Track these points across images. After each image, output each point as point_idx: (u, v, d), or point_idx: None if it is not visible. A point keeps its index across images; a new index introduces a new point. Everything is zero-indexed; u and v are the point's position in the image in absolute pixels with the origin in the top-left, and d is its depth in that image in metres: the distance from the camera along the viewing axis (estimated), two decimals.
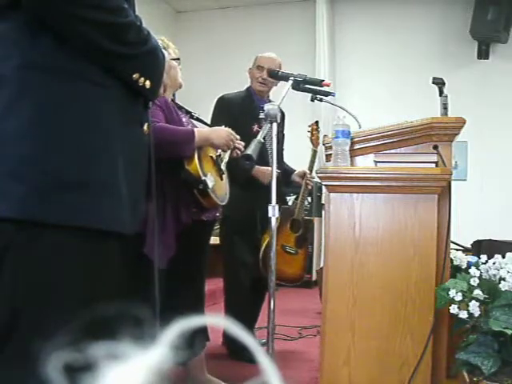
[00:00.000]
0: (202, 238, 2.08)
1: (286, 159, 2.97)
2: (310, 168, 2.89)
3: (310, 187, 2.91)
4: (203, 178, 1.78)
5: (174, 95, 2.14)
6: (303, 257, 2.96)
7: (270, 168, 2.75)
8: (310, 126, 2.98)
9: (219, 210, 2.07)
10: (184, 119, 2.00)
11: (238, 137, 2.12)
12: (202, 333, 1.99)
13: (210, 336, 2.10)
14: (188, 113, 2.12)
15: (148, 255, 1.65)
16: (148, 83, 1.00)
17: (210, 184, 1.80)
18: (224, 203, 1.97)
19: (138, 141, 1.05)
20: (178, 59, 2.03)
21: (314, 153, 2.94)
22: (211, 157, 1.97)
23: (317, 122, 3.01)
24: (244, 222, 2.62)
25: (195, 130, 1.85)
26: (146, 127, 1.09)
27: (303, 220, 2.94)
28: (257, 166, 2.50)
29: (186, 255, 1.95)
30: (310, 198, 5.80)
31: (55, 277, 0.88)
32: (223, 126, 2.08)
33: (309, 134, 2.96)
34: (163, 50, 1.06)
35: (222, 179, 2.00)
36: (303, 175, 2.86)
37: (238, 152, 2.11)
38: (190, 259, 1.98)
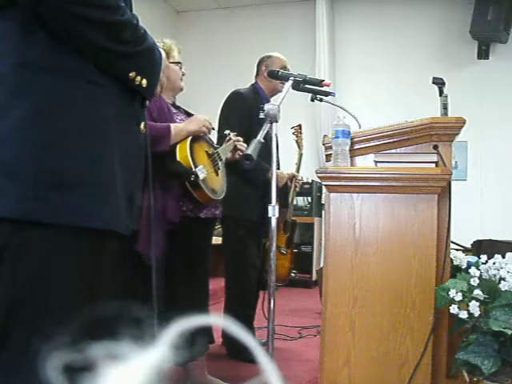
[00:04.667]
0: (202, 237, 2.07)
1: (287, 159, 2.99)
2: (297, 170, 2.97)
3: (297, 189, 2.97)
4: (194, 169, 1.80)
5: (174, 98, 2.15)
6: (291, 257, 3.05)
7: (283, 171, 2.81)
8: (293, 128, 3.07)
9: (219, 209, 2.07)
10: (179, 117, 2.01)
11: (235, 135, 2.14)
12: (204, 334, 1.98)
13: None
14: (189, 114, 2.12)
15: (140, 252, 1.67)
16: (144, 82, 1.00)
17: (202, 176, 1.82)
18: (219, 198, 1.97)
19: (135, 140, 1.05)
20: (180, 63, 2.05)
21: (300, 156, 3.03)
22: (206, 151, 1.99)
23: (300, 126, 3.09)
24: (257, 223, 2.60)
25: (172, 124, 1.86)
26: (142, 126, 1.09)
27: (291, 221, 3.03)
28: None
29: (185, 254, 1.95)
30: (309, 198, 5.80)
31: (54, 277, 0.88)
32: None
33: (294, 137, 3.05)
34: (160, 50, 1.05)
35: (217, 175, 2.00)
36: (292, 177, 2.88)
37: (240, 153, 2.12)
38: (189, 258, 1.98)
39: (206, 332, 1.97)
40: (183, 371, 2.04)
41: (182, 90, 2.10)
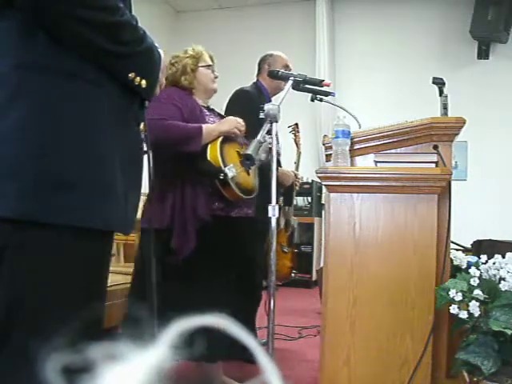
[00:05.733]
0: (232, 236, 2.08)
1: (287, 159, 2.99)
2: (296, 169, 3.02)
3: (297, 188, 3.00)
4: (223, 168, 1.88)
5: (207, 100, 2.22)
6: (292, 255, 3.07)
7: (289, 170, 2.83)
8: (290, 127, 3.09)
9: (251, 208, 2.09)
10: (212, 119, 2.08)
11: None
12: (221, 344, 1.88)
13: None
14: (222, 117, 2.19)
15: (175, 248, 1.82)
16: (144, 82, 0.99)
17: (231, 174, 1.89)
18: (249, 197, 2.02)
19: (135, 140, 1.05)
20: (210, 65, 2.14)
21: (299, 154, 3.07)
22: (237, 152, 2.05)
23: (296, 124, 3.12)
24: (264, 223, 2.61)
25: (203, 125, 1.93)
26: (142, 126, 1.08)
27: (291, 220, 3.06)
28: (280, 168, 2.54)
29: (212, 254, 1.98)
30: (309, 198, 5.80)
31: (53, 277, 0.88)
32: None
33: (292, 136, 3.08)
34: (159, 50, 1.05)
35: (249, 174, 2.06)
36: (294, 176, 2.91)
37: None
38: (216, 258, 2.00)
39: (222, 342, 1.87)
40: (198, 371, 2.06)
41: (215, 91, 2.18)
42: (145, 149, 1.10)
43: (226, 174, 1.87)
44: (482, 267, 1.55)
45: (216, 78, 2.16)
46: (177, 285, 1.86)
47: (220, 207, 1.96)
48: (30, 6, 0.85)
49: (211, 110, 2.16)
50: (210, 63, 2.15)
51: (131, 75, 0.97)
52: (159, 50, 1.05)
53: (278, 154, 2.58)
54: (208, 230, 1.90)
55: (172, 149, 1.86)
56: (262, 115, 1.88)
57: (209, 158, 1.89)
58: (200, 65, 2.11)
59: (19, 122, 0.85)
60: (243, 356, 2.39)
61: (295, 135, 3.10)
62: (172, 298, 1.75)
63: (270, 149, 2.16)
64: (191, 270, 1.89)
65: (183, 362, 1.93)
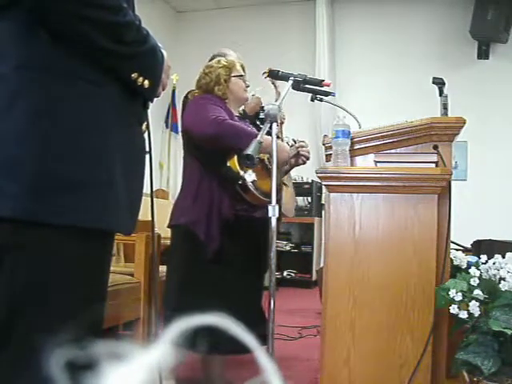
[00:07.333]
0: (255, 236, 2.10)
1: None
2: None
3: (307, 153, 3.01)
4: (241, 173, 1.95)
5: (244, 111, 2.29)
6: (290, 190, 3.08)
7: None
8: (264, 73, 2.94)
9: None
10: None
11: (304, 145, 2.22)
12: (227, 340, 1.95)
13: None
14: (254, 124, 2.26)
15: (202, 241, 1.95)
16: (147, 83, 0.99)
17: (249, 179, 1.96)
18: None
19: (137, 140, 1.04)
20: (242, 76, 2.20)
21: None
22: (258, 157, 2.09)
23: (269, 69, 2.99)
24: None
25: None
26: (144, 127, 1.08)
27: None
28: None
29: (240, 252, 2.05)
30: (309, 198, 5.80)
31: (54, 277, 0.88)
32: None
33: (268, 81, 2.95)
34: (162, 51, 1.05)
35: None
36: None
37: (304, 159, 2.23)
38: (243, 257, 2.06)
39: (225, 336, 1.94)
40: (202, 368, 2.09)
41: (246, 100, 2.25)
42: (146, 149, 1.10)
43: (244, 180, 1.95)
44: (481, 267, 1.55)
45: (248, 87, 2.23)
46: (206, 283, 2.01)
47: (243, 208, 2.03)
48: (35, 5, 0.85)
49: (242, 119, 2.22)
50: (242, 73, 2.21)
51: (134, 75, 0.96)
52: (162, 50, 1.05)
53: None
54: (232, 230, 1.99)
55: (230, 144, 1.94)
56: (262, 115, 1.89)
57: (228, 164, 1.98)
58: (233, 75, 2.17)
59: (20, 123, 0.85)
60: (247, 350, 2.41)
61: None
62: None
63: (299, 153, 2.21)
64: (216, 267, 1.99)
65: (187, 356, 1.99)
